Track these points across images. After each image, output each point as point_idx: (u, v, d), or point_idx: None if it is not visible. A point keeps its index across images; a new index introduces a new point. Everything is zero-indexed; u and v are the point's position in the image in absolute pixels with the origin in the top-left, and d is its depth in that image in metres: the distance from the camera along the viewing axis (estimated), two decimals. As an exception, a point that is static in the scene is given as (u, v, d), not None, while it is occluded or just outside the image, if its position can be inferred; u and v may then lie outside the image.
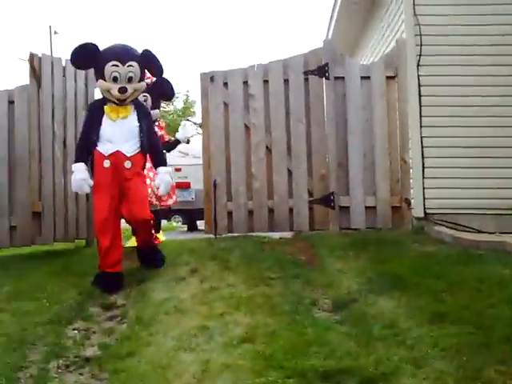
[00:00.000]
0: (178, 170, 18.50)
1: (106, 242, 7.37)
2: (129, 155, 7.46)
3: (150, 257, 8.06)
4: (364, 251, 8.26)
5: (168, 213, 18.49)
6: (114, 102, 7.54)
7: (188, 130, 9.21)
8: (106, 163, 7.40)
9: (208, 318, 6.19)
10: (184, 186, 19.74)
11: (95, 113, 7.62)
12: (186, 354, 5.42)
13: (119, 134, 7.44)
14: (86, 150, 7.56)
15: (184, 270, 7.84)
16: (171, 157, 21.00)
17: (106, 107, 7.54)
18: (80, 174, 7.39)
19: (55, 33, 49.00)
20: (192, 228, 21.94)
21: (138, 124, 7.58)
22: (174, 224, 24.51)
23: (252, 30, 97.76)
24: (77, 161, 7.54)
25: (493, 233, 9.35)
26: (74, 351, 5.82)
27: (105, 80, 7.41)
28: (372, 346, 5.27)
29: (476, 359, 4.85)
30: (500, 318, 5.60)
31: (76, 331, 6.29)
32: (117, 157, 7.41)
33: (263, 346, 5.41)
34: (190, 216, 22.26)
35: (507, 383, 4.51)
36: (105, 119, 7.49)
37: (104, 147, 7.44)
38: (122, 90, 7.34)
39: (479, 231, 9.57)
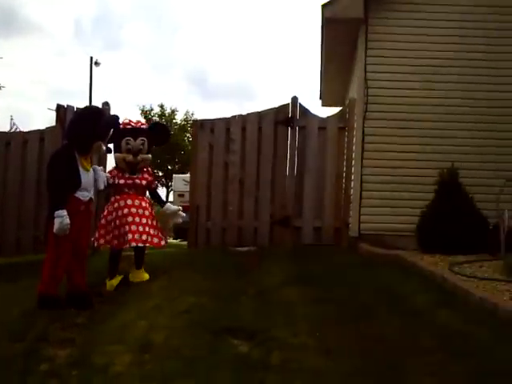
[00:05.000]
0: (181, 195, 19.65)
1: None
2: (93, 201, 8.32)
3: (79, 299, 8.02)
4: (297, 260, 10.05)
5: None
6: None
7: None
8: (82, 208, 7.91)
9: (164, 300, 7.84)
10: (186, 209, 20.92)
11: (70, 161, 7.79)
12: (140, 321, 7.08)
13: (91, 183, 8.07)
14: (67, 196, 7.74)
15: (160, 271, 9.57)
16: (177, 185, 22.57)
17: (80, 157, 7.88)
18: (67, 219, 7.61)
19: (96, 63, 50.39)
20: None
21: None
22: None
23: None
24: (62, 207, 7.61)
25: (402, 248, 11.02)
26: (68, 319, 7.53)
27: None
28: (266, 315, 7.02)
29: (327, 322, 6.65)
30: (361, 302, 7.41)
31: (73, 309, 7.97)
32: (89, 202, 8.06)
33: (195, 316, 7.10)
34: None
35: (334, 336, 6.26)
36: (80, 168, 7.83)
37: (82, 194, 7.83)
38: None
39: (396, 248, 11.23)
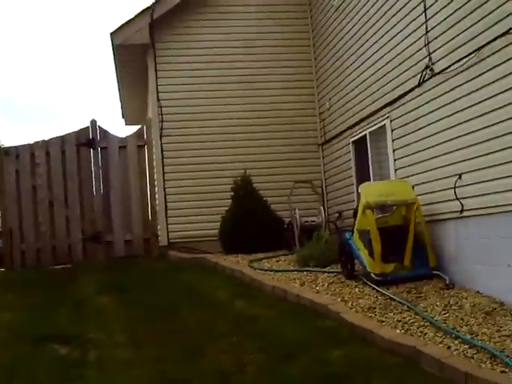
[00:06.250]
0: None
1: None
2: None
3: None
4: (110, 271, 10.73)
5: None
6: None
7: None
8: None
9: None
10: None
11: None
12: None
13: None
14: None
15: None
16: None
17: None
18: None
19: None
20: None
21: None
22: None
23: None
24: None
25: (208, 252, 11.95)
26: None
27: None
28: (82, 321, 7.64)
29: (137, 322, 7.44)
30: (167, 301, 8.25)
31: None
32: None
33: (14, 328, 7.48)
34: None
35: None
36: None
37: None
38: None
39: (203, 252, 12.13)
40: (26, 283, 10.45)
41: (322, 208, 12.25)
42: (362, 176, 11.45)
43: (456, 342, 5.82)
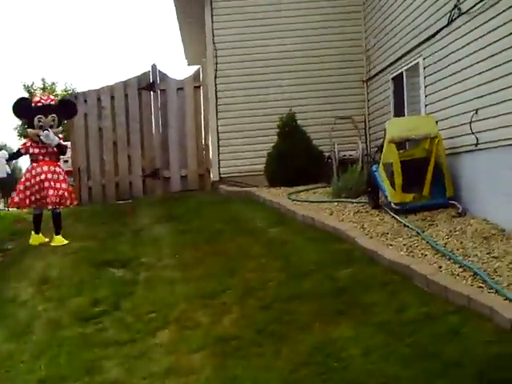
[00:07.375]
0: (66, 161, 20.99)
1: None
2: None
3: None
4: (166, 204, 11.88)
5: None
6: None
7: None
8: None
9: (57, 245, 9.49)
10: (69, 173, 22.22)
11: None
12: (38, 262, 8.69)
13: None
14: None
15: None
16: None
17: None
18: None
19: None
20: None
21: None
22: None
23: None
24: None
25: (255, 186, 12.83)
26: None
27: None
28: (137, 248, 8.82)
29: (185, 247, 8.54)
30: (213, 229, 9.35)
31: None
32: None
33: (82, 254, 8.74)
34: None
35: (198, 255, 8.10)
36: None
37: None
38: None
39: (251, 186, 12.98)
40: (92, 216, 11.70)
41: (359, 142, 12.73)
42: (399, 111, 12.00)
43: (448, 262, 6.60)
